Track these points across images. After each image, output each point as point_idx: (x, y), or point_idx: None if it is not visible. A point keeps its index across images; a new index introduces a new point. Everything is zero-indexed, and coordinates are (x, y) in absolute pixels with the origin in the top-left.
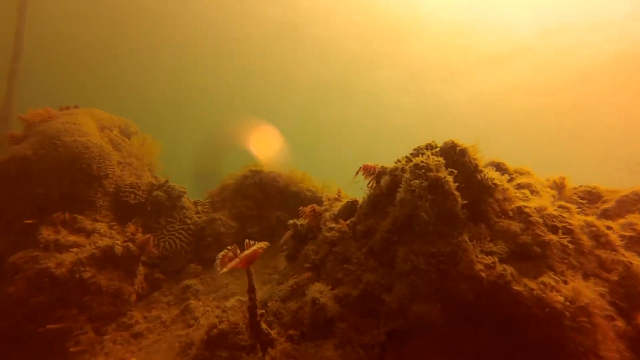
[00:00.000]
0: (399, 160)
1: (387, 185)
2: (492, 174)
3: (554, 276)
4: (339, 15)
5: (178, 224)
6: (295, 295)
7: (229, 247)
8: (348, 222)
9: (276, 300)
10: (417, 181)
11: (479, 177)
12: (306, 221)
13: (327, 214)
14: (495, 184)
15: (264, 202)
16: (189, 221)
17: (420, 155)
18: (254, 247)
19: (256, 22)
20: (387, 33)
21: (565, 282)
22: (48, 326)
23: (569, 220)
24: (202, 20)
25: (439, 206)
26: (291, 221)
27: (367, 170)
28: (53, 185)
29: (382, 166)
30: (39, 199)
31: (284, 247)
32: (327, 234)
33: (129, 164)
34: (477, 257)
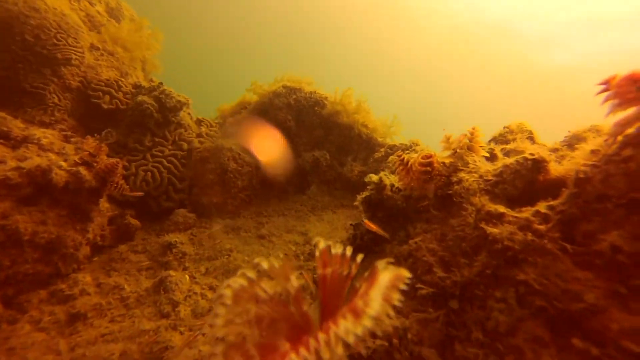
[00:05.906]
0: None
1: None
2: None
3: None
4: None
5: (170, 147)
6: None
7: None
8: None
9: None
10: None
11: None
12: (402, 181)
13: (468, 178)
14: None
15: (297, 134)
16: (185, 146)
17: None
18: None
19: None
20: None
21: None
22: None
23: None
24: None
25: None
26: (375, 176)
27: (622, 90)
28: None
29: None
30: None
31: (350, 223)
32: (492, 230)
33: (110, 53)
34: None
